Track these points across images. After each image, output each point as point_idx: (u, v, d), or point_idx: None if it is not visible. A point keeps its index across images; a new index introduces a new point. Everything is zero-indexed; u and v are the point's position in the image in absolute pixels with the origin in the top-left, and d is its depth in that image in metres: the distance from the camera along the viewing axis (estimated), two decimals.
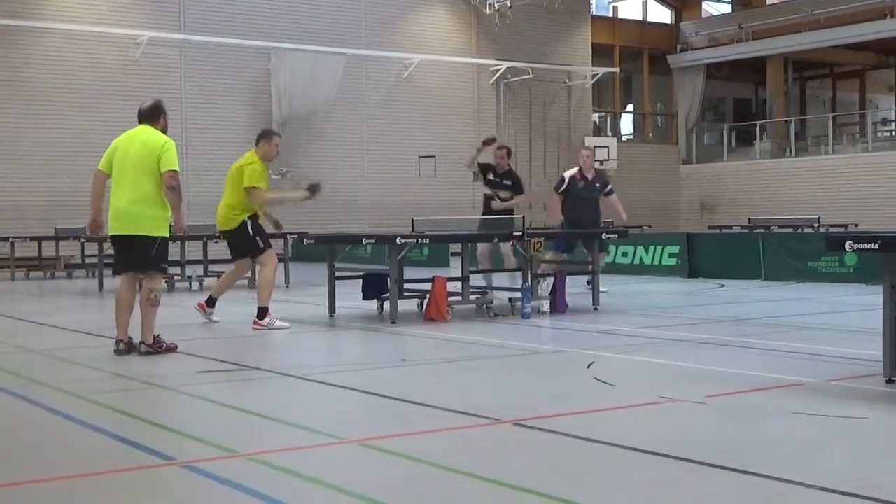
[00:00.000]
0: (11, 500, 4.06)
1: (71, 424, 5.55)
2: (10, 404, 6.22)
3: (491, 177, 13.42)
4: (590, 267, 12.02)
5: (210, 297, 10.92)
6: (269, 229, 11.08)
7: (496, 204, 13.10)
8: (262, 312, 10.18)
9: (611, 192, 14.03)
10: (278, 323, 10.19)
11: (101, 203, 8.45)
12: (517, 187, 13.56)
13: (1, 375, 7.24)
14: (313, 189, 10.50)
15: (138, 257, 8.24)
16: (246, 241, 10.51)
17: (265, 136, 10.74)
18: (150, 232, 8.20)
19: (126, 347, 8.24)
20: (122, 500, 4.12)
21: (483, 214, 13.42)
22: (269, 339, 9.56)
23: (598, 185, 13.85)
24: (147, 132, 8.40)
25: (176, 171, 8.22)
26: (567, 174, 13.99)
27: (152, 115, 8.55)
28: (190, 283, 16.10)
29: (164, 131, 8.52)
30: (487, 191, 13.42)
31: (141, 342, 8.20)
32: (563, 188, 13.74)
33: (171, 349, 8.28)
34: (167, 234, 8.40)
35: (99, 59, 25.34)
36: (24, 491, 4.19)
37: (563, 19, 32.27)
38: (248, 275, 16.34)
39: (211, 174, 26.38)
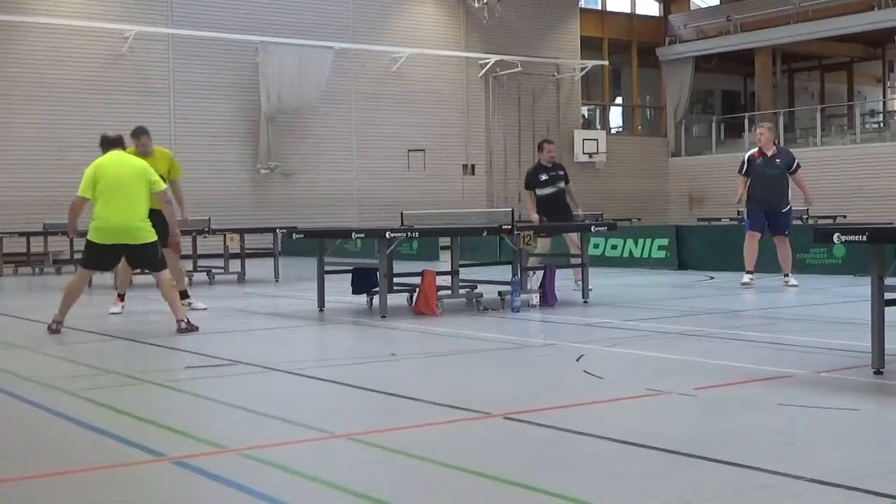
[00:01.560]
0: (0, 496, 4.06)
1: (60, 420, 5.54)
2: None
3: (544, 177, 13.45)
4: (578, 259, 12.02)
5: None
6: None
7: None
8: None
9: (796, 169, 13.50)
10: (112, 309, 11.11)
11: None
12: (566, 175, 13.81)
13: None
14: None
15: (147, 262, 9.78)
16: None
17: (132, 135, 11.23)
18: (149, 239, 9.53)
19: (60, 328, 9.28)
20: (112, 496, 4.12)
21: (540, 214, 13.44)
22: (258, 335, 9.56)
23: (778, 160, 13.45)
24: (129, 157, 9.82)
25: (165, 188, 9.91)
26: (747, 154, 13.78)
27: (119, 142, 9.80)
28: None
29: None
30: (549, 189, 13.44)
31: (179, 320, 9.30)
32: (744, 169, 13.50)
33: (193, 329, 9.26)
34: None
35: (86, 53, 25.25)
36: (13, 488, 4.18)
37: (552, 12, 32.27)
38: (239, 269, 16.37)
39: (198, 169, 26.38)
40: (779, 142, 13.99)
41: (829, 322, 9.43)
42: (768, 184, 13.40)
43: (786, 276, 13.47)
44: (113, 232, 9.40)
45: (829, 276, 14.39)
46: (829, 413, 5.34)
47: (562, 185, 13.68)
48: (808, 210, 22.68)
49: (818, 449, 4.63)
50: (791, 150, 14.13)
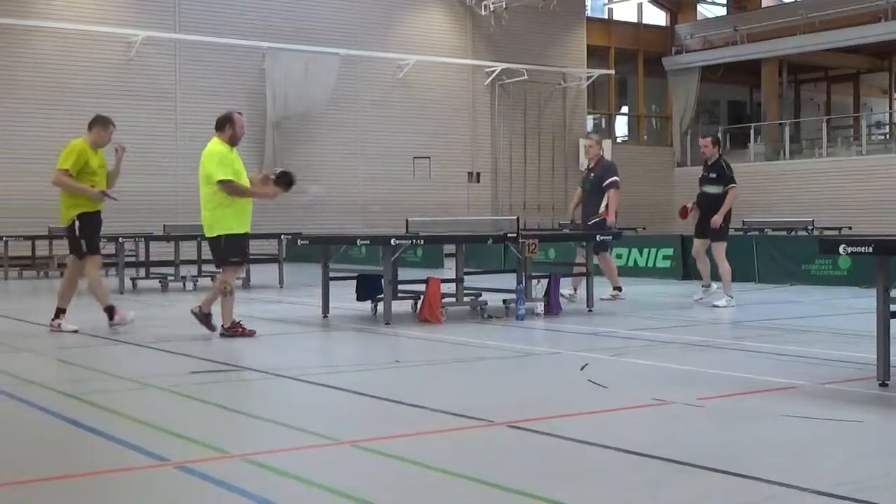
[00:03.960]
0: (4, 500, 4.06)
1: (64, 424, 5.54)
2: (3, 404, 6.20)
3: (700, 176, 12.83)
4: (584, 269, 12.02)
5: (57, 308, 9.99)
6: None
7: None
8: (111, 311, 9.82)
9: (608, 186, 12.75)
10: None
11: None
12: (723, 178, 12.66)
13: None
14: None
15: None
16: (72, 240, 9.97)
17: (98, 122, 10.68)
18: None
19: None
20: (116, 500, 4.12)
21: (701, 213, 12.75)
22: (262, 340, 9.56)
23: (592, 175, 12.95)
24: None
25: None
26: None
27: (217, 125, 9.88)
28: (184, 284, 16.05)
29: (231, 141, 9.83)
30: (700, 188, 12.61)
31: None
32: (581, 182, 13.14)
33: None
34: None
35: (94, 58, 25.31)
36: (18, 491, 4.18)
37: (559, 21, 32.29)
38: (242, 275, 16.37)
39: None
40: (602, 155, 13.25)
41: (834, 333, 9.41)
42: (587, 200, 13.01)
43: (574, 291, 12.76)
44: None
45: (834, 288, 14.36)
46: (833, 425, 5.33)
47: (712, 189, 12.66)
48: (812, 220, 22.78)
49: (822, 461, 4.62)
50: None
